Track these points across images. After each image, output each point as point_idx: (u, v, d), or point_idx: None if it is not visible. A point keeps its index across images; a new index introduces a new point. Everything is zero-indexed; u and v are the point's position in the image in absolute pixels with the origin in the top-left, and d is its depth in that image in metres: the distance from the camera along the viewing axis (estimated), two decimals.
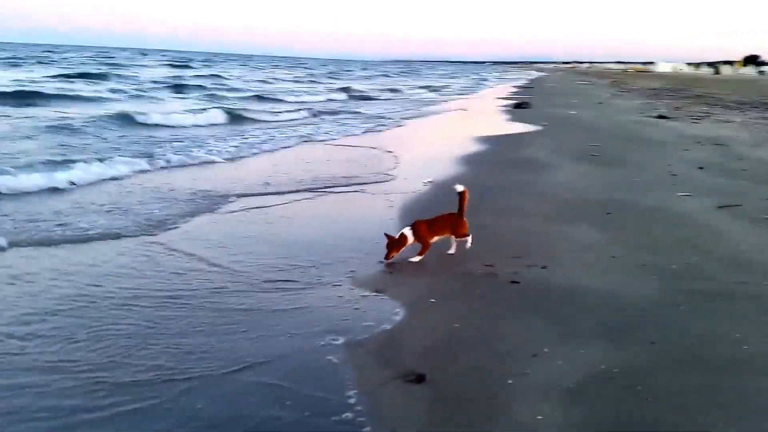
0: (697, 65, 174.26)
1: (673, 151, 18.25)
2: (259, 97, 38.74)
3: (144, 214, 9.86)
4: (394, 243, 7.91)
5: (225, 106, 29.07)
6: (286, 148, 18.70)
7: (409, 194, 11.93)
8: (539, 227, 9.73)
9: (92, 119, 21.45)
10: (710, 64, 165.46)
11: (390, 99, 45.68)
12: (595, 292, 7.02)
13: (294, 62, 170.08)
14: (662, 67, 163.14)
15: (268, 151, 17.86)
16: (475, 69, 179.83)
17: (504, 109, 34.76)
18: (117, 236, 8.72)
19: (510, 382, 5.06)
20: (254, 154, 17.29)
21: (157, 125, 21.89)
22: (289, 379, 5.09)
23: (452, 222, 8.34)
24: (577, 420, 4.54)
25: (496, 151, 18.29)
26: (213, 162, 15.41)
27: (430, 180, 13.22)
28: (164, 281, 7.15)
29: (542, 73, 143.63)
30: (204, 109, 26.56)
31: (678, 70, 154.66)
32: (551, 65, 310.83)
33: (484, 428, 4.42)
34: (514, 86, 69.39)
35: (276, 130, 22.76)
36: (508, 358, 5.49)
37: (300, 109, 30.63)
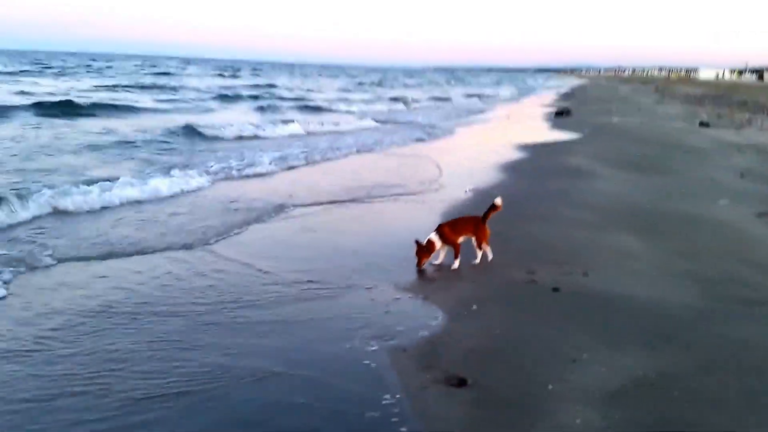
0: (741, 72, 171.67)
1: (714, 158, 18.15)
2: (317, 108, 38.51)
3: (201, 224, 10.05)
4: (423, 249, 8.08)
5: (284, 117, 29.54)
6: (346, 156, 19.00)
7: (451, 202, 12.01)
8: (580, 235, 9.77)
9: (166, 130, 21.97)
10: (754, 71, 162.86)
11: (440, 107, 46.11)
12: (634, 299, 7.08)
13: (338, 70, 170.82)
14: (705, 74, 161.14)
15: (329, 160, 18.08)
16: (517, 76, 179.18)
17: (545, 116, 34.78)
18: (186, 246, 8.93)
19: (550, 387, 5.15)
20: (314, 162, 17.53)
21: (217, 138, 21.90)
22: (333, 380, 5.28)
23: (475, 224, 8.46)
24: (616, 423, 4.62)
25: (538, 159, 18.35)
26: (270, 173, 15.59)
27: (471, 188, 13.31)
28: (210, 290, 7.34)
29: (584, 81, 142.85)
30: (285, 122, 26.71)
31: (721, 77, 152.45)
32: (594, 72, 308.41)
33: (523, 428, 4.51)
34: (556, 94, 69.16)
35: (338, 139, 23.08)
36: (548, 363, 5.58)
37: (360, 119, 30.90)
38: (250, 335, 6.12)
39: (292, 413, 4.80)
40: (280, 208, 11.34)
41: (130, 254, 8.53)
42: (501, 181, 14.49)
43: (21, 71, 65.13)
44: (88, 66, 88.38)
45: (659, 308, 6.83)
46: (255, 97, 44.00)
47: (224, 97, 42.83)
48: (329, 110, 37.52)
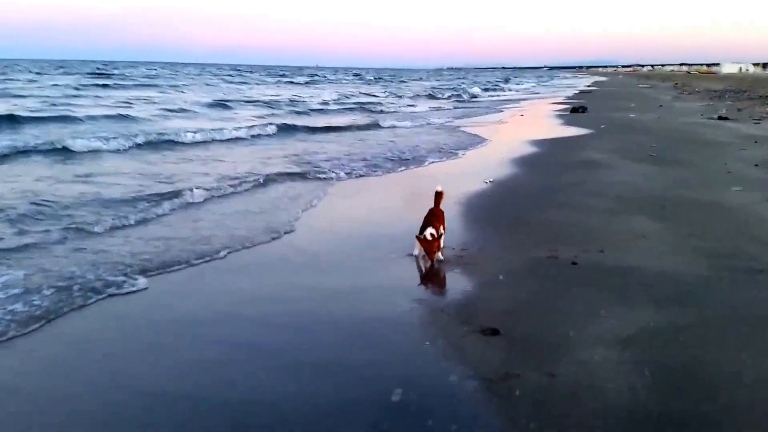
0: (765, 66, 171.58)
1: (731, 150, 19.09)
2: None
3: None
4: (433, 240, 8.39)
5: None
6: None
7: (471, 192, 13.03)
8: (597, 219, 10.81)
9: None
10: None
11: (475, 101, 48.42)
12: (647, 270, 8.12)
13: (346, 71, 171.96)
14: (728, 68, 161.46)
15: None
16: (531, 74, 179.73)
17: (560, 113, 35.82)
18: None
19: (571, 334, 6.24)
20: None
21: None
22: (382, 330, 6.48)
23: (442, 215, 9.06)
24: (629, 360, 5.69)
25: (554, 153, 19.45)
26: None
27: (491, 180, 14.34)
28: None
29: (601, 78, 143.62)
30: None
31: (744, 71, 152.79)
32: (611, 69, 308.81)
33: (551, 366, 5.57)
34: (572, 91, 70.08)
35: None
36: (569, 318, 6.66)
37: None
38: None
39: (352, 351, 6.02)
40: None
41: None
42: (518, 173, 15.60)
43: None
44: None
45: (669, 277, 7.87)
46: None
47: None
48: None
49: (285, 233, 9.88)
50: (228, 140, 21.97)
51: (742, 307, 6.98)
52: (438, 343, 6.13)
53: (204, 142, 20.82)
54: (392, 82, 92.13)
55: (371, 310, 7.06)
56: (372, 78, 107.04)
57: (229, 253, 8.80)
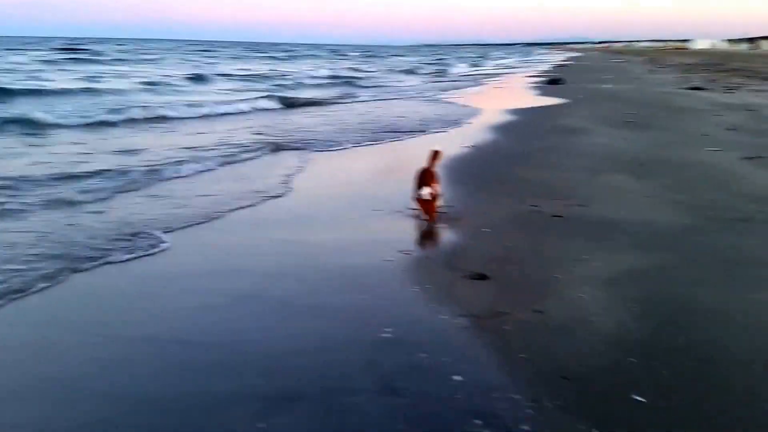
0: (737, 41, 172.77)
1: (705, 116, 19.31)
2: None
3: None
4: (432, 200, 8.39)
5: None
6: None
7: (453, 156, 13.07)
8: (577, 177, 10.94)
9: None
10: (750, 40, 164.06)
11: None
12: (630, 221, 8.25)
13: (321, 48, 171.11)
14: (700, 44, 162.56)
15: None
16: (507, 51, 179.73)
17: (538, 85, 36.04)
18: None
19: (558, 276, 6.36)
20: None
21: None
22: (370, 279, 6.58)
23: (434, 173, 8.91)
24: (616, 297, 5.81)
25: (533, 120, 19.56)
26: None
27: (472, 144, 14.42)
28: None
29: (576, 54, 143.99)
30: None
31: (715, 47, 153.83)
32: (584, 45, 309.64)
33: (539, 304, 5.68)
34: (548, 66, 70.33)
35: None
36: (554, 263, 6.78)
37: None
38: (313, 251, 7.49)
39: (343, 296, 6.13)
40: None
41: None
42: (498, 139, 15.67)
43: None
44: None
45: (652, 226, 8.02)
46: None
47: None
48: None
49: (276, 197, 9.93)
50: (221, 114, 21.67)
51: (726, 250, 7.14)
52: (426, 287, 6.21)
53: (189, 118, 20.42)
54: (373, 58, 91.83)
55: (359, 260, 7.13)
56: (353, 54, 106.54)
57: (230, 211, 8.96)
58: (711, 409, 4.07)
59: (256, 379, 4.54)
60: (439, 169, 9.02)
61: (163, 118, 19.75)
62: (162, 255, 7.20)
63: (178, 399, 4.31)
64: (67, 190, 9.68)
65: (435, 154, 9.02)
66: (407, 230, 8.23)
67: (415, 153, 11.67)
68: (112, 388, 4.45)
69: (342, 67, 59.88)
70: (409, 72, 54.38)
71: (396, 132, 17.12)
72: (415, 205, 8.52)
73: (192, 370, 4.72)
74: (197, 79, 37.92)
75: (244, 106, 23.62)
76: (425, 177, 8.54)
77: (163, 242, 7.52)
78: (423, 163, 8.86)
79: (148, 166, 11.74)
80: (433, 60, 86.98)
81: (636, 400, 4.15)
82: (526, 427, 3.89)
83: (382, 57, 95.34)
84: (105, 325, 5.52)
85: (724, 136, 15.36)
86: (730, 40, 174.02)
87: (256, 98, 25.52)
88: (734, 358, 4.73)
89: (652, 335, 5.09)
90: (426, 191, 8.29)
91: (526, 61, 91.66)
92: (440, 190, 8.66)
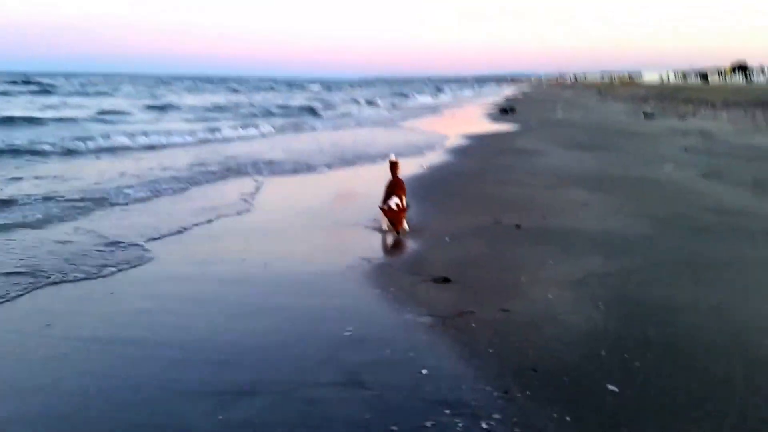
0: (685, 76, 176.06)
1: (660, 140, 19.57)
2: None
3: None
4: (399, 210, 8.29)
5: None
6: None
7: (411, 176, 12.99)
8: (536, 193, 10.93)
9: None
10: (700, 75, 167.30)
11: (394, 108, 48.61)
12: (591, 230, 8.22)
13: (279, 82, 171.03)
14: (649, 77, 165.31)
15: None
16: (460, 85, 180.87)
17: (490, 113, 36.34)
18: None
19: (522, 279, 6.27)
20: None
21: None
22: (331, 282, 6.42)
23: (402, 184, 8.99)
24: (583, 296, 5.74)
25: (487, 144, 19.66)
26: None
27: (428, 165, 14.37)
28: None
29: (526, 88, 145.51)
30: None
31: (665, 79, 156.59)
32: (535, 79, 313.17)
33: (505, 304, 5.57)
34: (500, 98, 70.97)
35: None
36: (518, 267, 6.69)
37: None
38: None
39: (305, 297, 5.98)
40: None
41: None
42: (454, 160, 15.69)
43: None
44: None
45: (614, 235, 7.99)
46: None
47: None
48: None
49: (240, 213, 9.74)
50: (173, 145, 21.08)
51: (689, 255, 7.12)
52: (389, 290, 6.07)
53: (151, 147, 19.81)
54: (331, 91, 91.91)
55: (321, 267, 6.94)
56: (312, 87, 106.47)
57: (194, 226, 8.79)
58: (684, 395, 4.00)
59: (214, 375, 4.38)
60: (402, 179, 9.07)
61: (126, 149, 19.04)
62: (135, 263, 7.06)
63: (141, 393, 4.15)
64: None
65: (393, 165, 9.12)
66: (369, 240, 8.11)
67: (375, 176, 11.60)
68: (77, 385, 4.29)
69: (305, 98, 59.86)
70: (371, 103, 54.49)
71: (359, 157, 16.93)
72: (381, 214, 8.38)
73: (154, 367, 4.55)
74: (162, 108, 37.35)
75: (229, 133, 23.46)
76: (393, 187, 8.57)
77: (145, 251, 7.46)
78: (387, 177, 8.99)
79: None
80: (390, 92, 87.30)
81: (609, 389, 4.06)
82: (497, 416, 3.77)
83: (339, 90, 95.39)
84: (76, 328, 5.32)
85: (681, 157, 15.52)
86: (678, 73, 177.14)
87: (214, 130, 24.83)
88: (704, 349, 4.68)
89: (621, 330, 5.02)
90: (393, 201, 8.24)
91: (479, 94, 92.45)
92: (406, 201, 8.57)
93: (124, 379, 4.37)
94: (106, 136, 20.30)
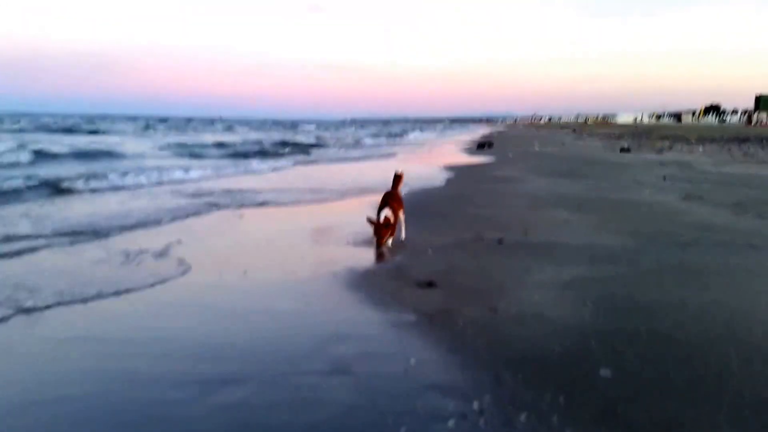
0: (658, 117, 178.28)
1: (639, 170, 19.74)
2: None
3: None
4: (383, 226, 8.34)
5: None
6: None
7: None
8: (517, 212, 10.96)
9: None
10: (672, 115, 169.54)
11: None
12: (573, 244, 8.22)
13: (253, 122, 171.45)
14: (623, 118, 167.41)
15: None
16: (435, 125, 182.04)
17: (468, 148, 36.53)
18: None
19: (507, 283, 6.25)
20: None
21: None
22: (316, 288, 6.37)
23: (399, 197, 9.12)
24: (570, 296, 5.74)
25: (468, 173, 19.74)
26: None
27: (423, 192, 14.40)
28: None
29: (501, 128, 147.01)
30: None
31: (639, 121, 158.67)
32: (510, 121, 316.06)
33: (491, 304, 5.54)
34: (476, 136, 71.53)
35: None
36: (502, 274, 6.68)
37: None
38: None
39: (289, 302, 5.92)
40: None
41: None
42: (434, 186, 15.72)
43: None
44: None
45: (597, 248, 7.99)
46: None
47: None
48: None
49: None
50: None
51: (675, 264, 7.13)
52: (373, 293, 6.04)
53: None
54: (326, 129, 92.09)
55: (306, 275, 6.92)
56: (285, 126, 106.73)
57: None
58: (678, 379, 3.99)
59: (202, 365, 4.36)
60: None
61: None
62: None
63: (135, 384, 4.10)
64: None
65: (397, 178, 9.28)
66: (354, 253, 8.04)
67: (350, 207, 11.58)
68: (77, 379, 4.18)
69: (312, 135, 60.03)
70: (356, 143, 54.40)
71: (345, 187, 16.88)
72: (369, 225, 8.36)
73: (145, 360, 4.51)
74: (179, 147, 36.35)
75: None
76: (386, 198, 8.63)
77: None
78: (386, 188, 9.12)
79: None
80: (365, 132, 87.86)
81: (602, 375, 4.03)
82: (487, 398, 3.71)
83: (336, 129, 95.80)
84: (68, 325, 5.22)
85: (660, 183, 15.67)
86: (652, 115, 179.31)
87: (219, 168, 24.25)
88: (696, 339, 4.69)
89: (610, 324, 5.03)
90: (383, 214, 8.29)
91: (455, 132, 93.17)
92: (402, 215, 8.77)
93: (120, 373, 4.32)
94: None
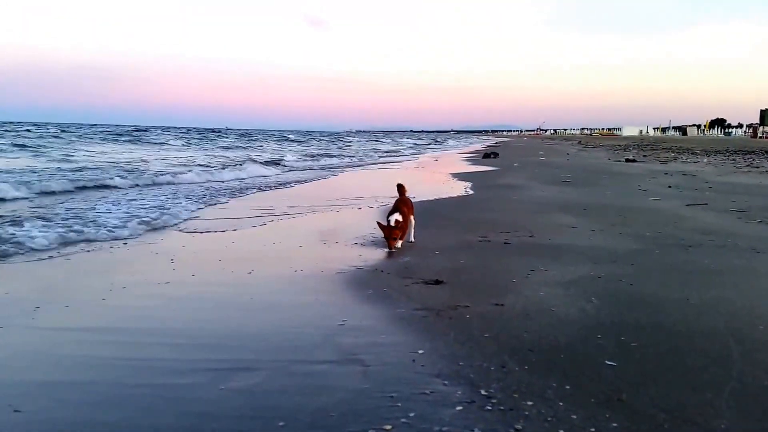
0: (664, 130, 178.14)
1: (644, 179, 19.77)
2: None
3: None
4: (394, 228, 8.48)
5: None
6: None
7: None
8: (523, 216, 11.05)
9: None
10: (677, 128, 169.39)
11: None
12: (579, 246, 8.29)
13: (267, 133, 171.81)
14: (628, 131, 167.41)
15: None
16: (438, 137, 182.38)
17: (474, 159, 36.61)
18: None
19: (514, 280, 6.33)
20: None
21: None
22: (325, 284, 6.47)
23: (410, 202, 9.36)
24: (575, 293, 5.80)
25: (474, 180, 19.77)
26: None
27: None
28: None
29: (506, 139, 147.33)
30: None
31: (644, 134, 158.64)
32: (515, 132, 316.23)
33: (498, 299, 5.61)
34: (481, 147, 71.66)
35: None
36: (509, 273, 6.74)
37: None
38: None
39: (299, 295, 5.98)
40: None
41: None
42: (441, 193, 15.76)
43: None
44: None
45: (601, 249, 8.06)
46: None
47: None
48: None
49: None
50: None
51: (679, 264, 7.21)
52: (381, 290, 6.10)
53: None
54: (322, 141, 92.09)
55: (314, 271, 7.04)
56: (298, 138, 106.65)
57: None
58: (682, 368, 4.03)
59: (214, 354, 4.46)
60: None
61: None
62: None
63: (149, 371, 4.19)
64: None
65: (401, 187, 9.47)
66: (362, 253, 8.14)
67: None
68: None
69: (312, 148, 59.84)
70: (374, 149, 55.23)
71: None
72: (379, 228, 8.50)
73: (161, 349, 4.60)
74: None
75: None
76: (397, 204, 8.87)
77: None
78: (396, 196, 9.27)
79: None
80: (376, 145, 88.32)
81: (607, 363, 4.09)
82: (495, 385, 3.78)
83: (319, 140, 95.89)
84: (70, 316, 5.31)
85: (665, 192, 15.72)
86: (657, 128, 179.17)
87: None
88: (699, 332, 4.74)
89: (615, 318, 5.08)
90: (394, 217, 8.46)
91: (460, 144, 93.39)
92: (412, 219, 8.98)
93: (139, 360, 4.41)
94: None
